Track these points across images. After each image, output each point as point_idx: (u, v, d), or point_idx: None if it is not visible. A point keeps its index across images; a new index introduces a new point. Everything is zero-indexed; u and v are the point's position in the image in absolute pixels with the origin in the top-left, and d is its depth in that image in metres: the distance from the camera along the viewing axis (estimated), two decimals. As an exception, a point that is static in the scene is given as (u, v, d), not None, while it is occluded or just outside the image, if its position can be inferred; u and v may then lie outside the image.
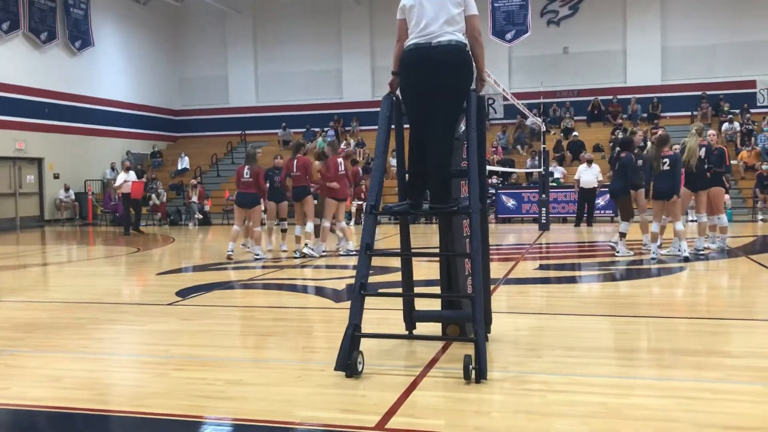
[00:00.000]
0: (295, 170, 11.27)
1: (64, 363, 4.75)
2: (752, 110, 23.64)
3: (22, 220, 22.38)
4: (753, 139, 22.01)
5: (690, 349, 4.87)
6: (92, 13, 25.19)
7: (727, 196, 18.62)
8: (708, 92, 24.21)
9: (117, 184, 18.63)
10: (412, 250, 5.47)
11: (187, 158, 26.76)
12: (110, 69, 26.35)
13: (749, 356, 4.63)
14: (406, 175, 5.00)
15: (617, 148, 12.21)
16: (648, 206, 10.84)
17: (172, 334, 5.78)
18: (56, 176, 23.46)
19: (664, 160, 9.72)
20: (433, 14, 4.67)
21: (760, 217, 18.90)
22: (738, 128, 22.62)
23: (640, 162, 10.96)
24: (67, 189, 23.62)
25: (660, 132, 12.31)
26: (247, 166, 11.20)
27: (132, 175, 18.05)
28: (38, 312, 6.88)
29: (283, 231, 12.59)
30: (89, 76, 25.22)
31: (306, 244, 11.34)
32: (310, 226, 11.39)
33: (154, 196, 23.33)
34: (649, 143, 19.82)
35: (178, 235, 18.08)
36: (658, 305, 6.81)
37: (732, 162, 20.85)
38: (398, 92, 4.87)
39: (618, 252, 10.67)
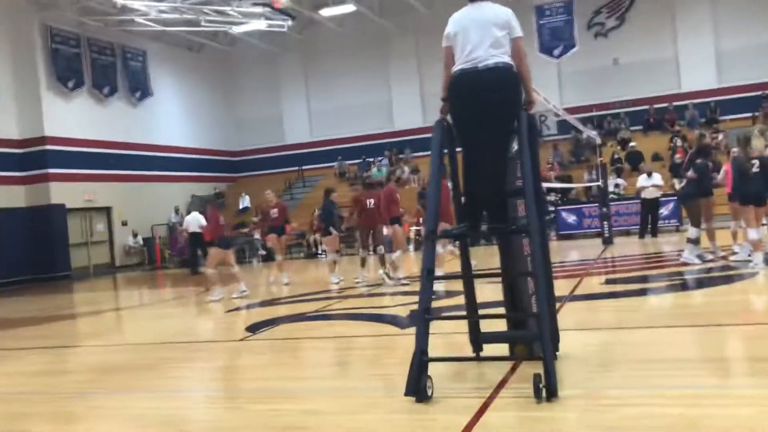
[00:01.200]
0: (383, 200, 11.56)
1: (143, 402, 4.93)
2: (818, 106, 22.80)
3: (95, 268, 23.24)
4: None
5: (766, 357, 4.73)
6: (149, 64, 26.25)
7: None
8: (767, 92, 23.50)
9: (184, 225, 19.16)
10: (474, 272, 5.48)
11: (247, 197, 27.37)
12: (169, 116, 27.32)
13: (833, 360, 4.46)
14: (462, 198, 5.04)
15: (689, 154, 11.72)
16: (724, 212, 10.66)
17: (244, 369, 5.92)
18: (124, 223, 24.32)
19: (753, 162, 9.32)
20: (478, 39, 4.74)
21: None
22: (804, 126, 21.82)
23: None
24: (135, 235, 24.44)
25: (743, 133, 11.72)
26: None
27: (197, 217, 18.55)
28: (115, 354, 7.15)
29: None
30: (150, 124, 26.20)
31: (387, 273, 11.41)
32: (396, 255, 11.51)
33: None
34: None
35: (243, 272, 18.39)
36: (731, 313, 6.62)
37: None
38: (449, 117, 4.93)
39: (685, 258, 10.37)
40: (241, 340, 7.33)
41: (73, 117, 22.90)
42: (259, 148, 30.57)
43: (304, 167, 29.08)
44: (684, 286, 8.75)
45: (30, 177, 21.92)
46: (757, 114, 23.12)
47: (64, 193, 22.09)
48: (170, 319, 10.28)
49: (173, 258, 23.95)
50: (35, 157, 21.92)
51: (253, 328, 8.01)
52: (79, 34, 23.03)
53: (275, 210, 13.16)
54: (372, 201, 11.77)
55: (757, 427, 3.27)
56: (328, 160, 28.43)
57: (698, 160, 10.62)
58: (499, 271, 5.27)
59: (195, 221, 18.00)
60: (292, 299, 10.82)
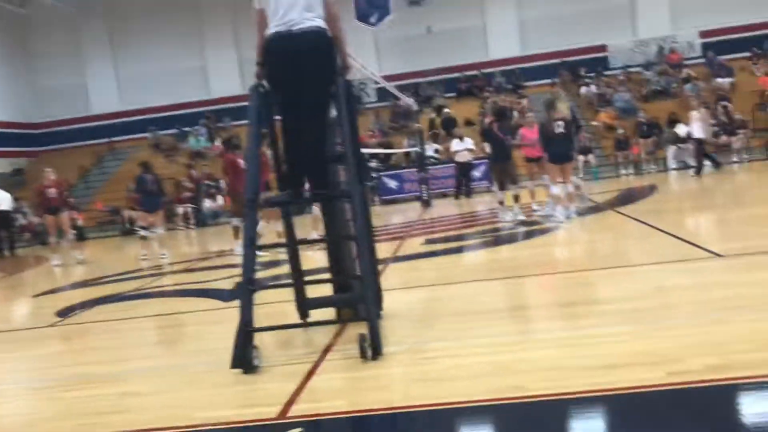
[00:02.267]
0: None
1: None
2: (606, 73, 25.10)
3: None
4: (609, 100, 23.41)
5: (568, 301, 5.19)
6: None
7: (591, 156, 19.82)
8: (565, 59, 25.47)
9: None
10: (298, 240, 5.47)
11: (52, 172, 25.23)
12: (-47, 85, 24.42)
13: (618, 301, 4.98)
14: (283, 165, 4.98)
15: (487, 119, 12.38)
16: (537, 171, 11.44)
17: (57, 356, 5.52)
18: None
19: (558, 122, 10.01)
20: (291, 1, 4.66)
21: (623, 172, 20.20)
22: (595, 91, 23.98)
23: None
24: None
25: (547, 96, 12.58)
26: None
27: (6, 196, 17.04)
28: None
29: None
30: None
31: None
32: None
33: (20, 216, 21.91)
34: (515, 113, 20.69)
35: (48, 254, 17.10)
36: (537, 264, 7.17)
37: (593, 123, 22.18)
38: (266, 82, 4.83)
39: (504, 219, 10.96)
40: (51, 326, 6.81)
41: None
42: (63, 120, 28.24)
43: (114, 138, 27.32)
44: (496, 242, 9.34)
45: None
46: (557, 80, 25.03)
47: None
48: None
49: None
50: None
51: (65, 313, 7.47)
52: None
53: (53, 189, 12.64)
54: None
55: (563, 364, 3.57)
56: (141, 130, 26.92)
57: (492, 125, 11.17)
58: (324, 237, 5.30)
59: (6, 199, 16.53)
60: (106, 280, 10.21)
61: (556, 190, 10.15)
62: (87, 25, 27.49)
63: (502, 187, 11.25)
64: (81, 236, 21.10)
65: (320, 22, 4.67)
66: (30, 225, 22.12)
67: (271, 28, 4.68)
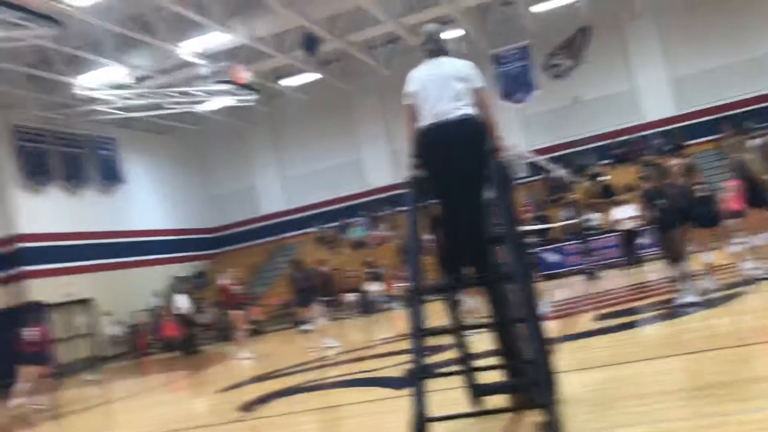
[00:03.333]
0: None
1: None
2: (777, 122, 23.33)
3: (80, 362, 22.67)
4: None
5: (761, 377, 4.70)
6: (119, 151, 26.30)
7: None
8: (727, 113, 24.03)
9: (177, 305, 18.97)
10: (465, 324, 5.43)
11: (229, 273, 27.07)
12: (143, 200, 27.24)
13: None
14: (443, 251, 5.03)
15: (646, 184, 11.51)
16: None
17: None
18: (107, 313, 23.89)
19: (698, 187, 9.47)
20: (439, 93, 4.84)
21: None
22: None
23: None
24: (118, 324, 24.00)
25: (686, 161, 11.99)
26: None
27: (185, 298, 18.43)
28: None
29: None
30: (124, 211, 26.07)
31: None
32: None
33: (203, 315, 23.56)
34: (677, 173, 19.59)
35: (231, 350, 18.13)
36: (721, 337, 6.60)
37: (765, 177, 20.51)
38: (420, 172, 4.96)
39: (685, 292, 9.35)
40: (235, 421, 7.15)
41: (47, 211, 22.70)
42: (236, 222, 30.47)
43: (282, 236, 29.00)
44: (672, 315, 8.73)
45: (6, 277, 21.58)
46: (719, 136, 23.60)
47: (43, 289, 21.71)
48: (162, 407, 10.02)
49: (157, 343, 23.50)
50: (10, 257, 21.62)
51: (246, 408, 7.82)
52: (45, 129, 23.05)
53: (237, 287, 13.40)
54: None
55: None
56: (306, 226, 28.40)
57: (655, 187, 10.22)
58: (490, 320, 5.23)
59: (182, 302, 17.86)
60: (282, 373, 10.62)
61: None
62: (253, 135, 29.89)
63: (675, 258, 9.49)
64: (258, 330, 22.28)
65: (470, 110, 4.79)
66: (212, 323, 23.68)
67: (422, 121, 4.85)
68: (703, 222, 9.55)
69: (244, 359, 13.37)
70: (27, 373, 11.38)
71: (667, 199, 9.95)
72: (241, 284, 13.70)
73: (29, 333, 11.41)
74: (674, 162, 21.59)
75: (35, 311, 13.21)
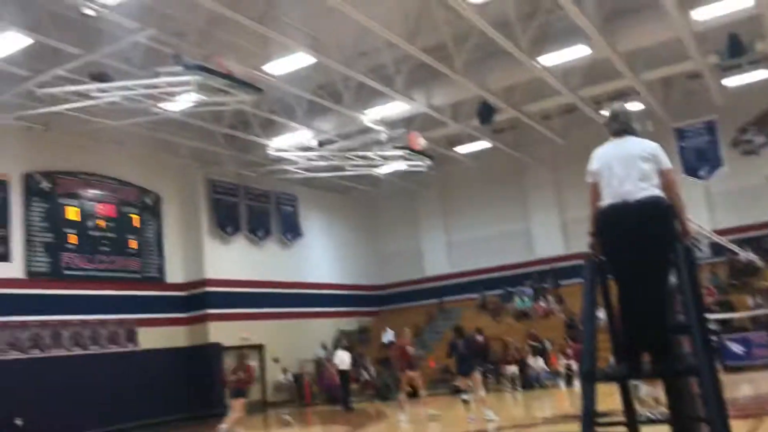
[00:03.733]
0: None
1: None
2: None
3: (250, 405, 23.82)
4: None
5: None
6: (300, 208, 28.07)
7: None
8: None
9: (335, 361, 19.53)
10: (640, 418, 5.17)
11: (390, 331, 27.55)
12: (318, 255, 28.67)
13: None
14: (620, 335, 4.87)
15: None
16: None
17: None
18: (276, 360, 25.06)
19: None
20: (624, 173, 4.77)
21: None
22: None
23: None
24: (285, 371, 25.08)
25: None
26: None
27: (346, 353, 18.89)
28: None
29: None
30: (299, 263, 27.56)
31: None
32: None
33: (363, 371, 24.04)
34: None
35: (390, 409, 18.28)
36: None
37: None
38: (599, 252, 4.88)
39: None
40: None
41: (231, 259, 24.55)
42: (401, 282, 31.04)
43: (444, 299, 29.09)
44: None
45: (191, 318, 23.43)
46: None
47: (221, 332, 23.30)
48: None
49: (321, 394, 24.20)
50: (196, 299, 23.51)
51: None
52: (237, 185, 25.17)
53: (411, 348, 13.46)
54: None
55: None
56: (469, 291, 28.32)
57: None
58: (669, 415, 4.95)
59: (344, 357, 18.28)
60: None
61: None
62: (423, 198, 30.60)
63: None
64: (415, 393, 22.30)
65: (656, 191, 4.68)
66: (371, 380, 24.07)
67: (605, 200, 4.80)
68: None
69: (401, 421, 13.36)
70: (237, 405, 13.76)
71: None
72: (414, 346, 13.81)
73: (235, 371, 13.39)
74: None
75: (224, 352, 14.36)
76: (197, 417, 21.43)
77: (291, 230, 27.47)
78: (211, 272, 23.85)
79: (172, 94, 15.87)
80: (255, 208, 25.98)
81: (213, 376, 22.52)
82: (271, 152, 21.85)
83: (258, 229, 25.95)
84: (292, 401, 24.87)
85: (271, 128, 21.70)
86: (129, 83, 15.52)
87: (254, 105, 19.01)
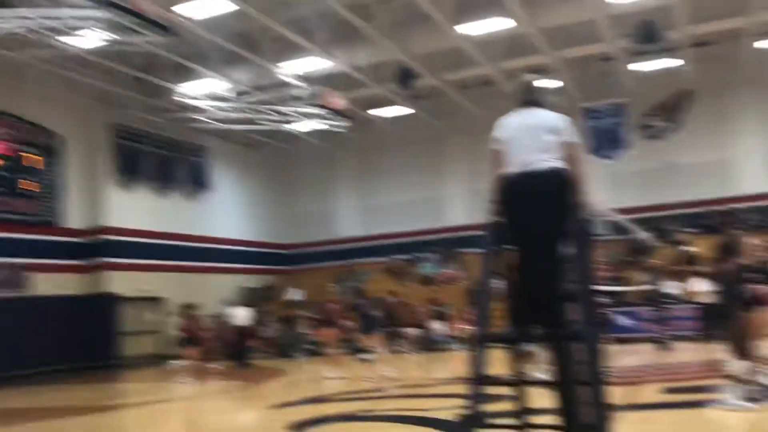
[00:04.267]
0: None
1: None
2: None
3: (143, 357, 23.34)
4: None
5: None
6: (209, 160, 27.28)
7: None
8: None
9: (234, 317, 19.30)
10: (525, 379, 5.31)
11: (297, 290, 27.48)
12: (225, 209, 28.06)
13: None
14: (513, 300, 4.95)
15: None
16: None
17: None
18: (174, 314, 24.55)
19: None
20: (529, 143, 4.81)
21: None
22: None
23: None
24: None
25: None
26: None
27: (244, 310, 18.68)
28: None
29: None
30: (206, 217, 26.92)
31: None
32: None
33: (265, 328, 23.90)
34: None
35: (289, 367, 18.29)
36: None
37: None
38: (499, 218, 4.92)
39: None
40: (284, 439, 7.18)
41: (133, 208, 23.69)
42: (311, 242, 30.91)
43: (354, 261, 29.20)
44: (748, 398, 8.25)
45: (88, 266, 22.56)
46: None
47: (119, 282, 22.60)
48: (214, 415, 10.17)
49: (221, 349, 23.91)
50: (94, 247, 22.63)
51: (296, 427, 7.84)
52: (142, 131, 24.18)
53: (334, 306, 13.43)
54: None
55: None
56: (378, 254, 28.52)
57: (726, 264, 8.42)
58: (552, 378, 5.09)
59: (241, 314, 18.05)
60: (339, 397, 10.62)
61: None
62: (339, 159, 30.40)
63: (741, 353, 7.94)
64: (316, 352, 22.39)
65: (558, 163, 4.74)
66: (273, 338, 23.99)
67: (508, 168, 4.83)
68: None
69: (329, 378, 13.26)
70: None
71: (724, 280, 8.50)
72: (338, 303, 13.68)
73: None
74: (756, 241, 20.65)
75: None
76: (92, 366, 20.80)
77: (199, 182, 26.74)
78: (112, 220, 22.99)
79: (78, 29, 14.97)
80: (162, 156, 25.08)
81: (109, 326, 21.94)
82: (182, 99, 21.04)
83: (164, 178, 25.11)
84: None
85: (183, 74, 20.87)
86: (30, 12, 14.50)
87: (167, 48, 18.23)
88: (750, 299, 8.02)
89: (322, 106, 20.46)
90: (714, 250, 8.12)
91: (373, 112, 25.84)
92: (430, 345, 21.25)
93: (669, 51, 21.20)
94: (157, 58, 19.91)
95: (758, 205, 23.77)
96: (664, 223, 24.78)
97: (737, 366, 7.69)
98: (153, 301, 24.12)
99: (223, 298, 26.19)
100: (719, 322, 8.71)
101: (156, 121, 23.98)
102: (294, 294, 27.40)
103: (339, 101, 20.33)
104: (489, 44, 20.09)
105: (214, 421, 9.39)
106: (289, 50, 19.36)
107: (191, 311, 16.51)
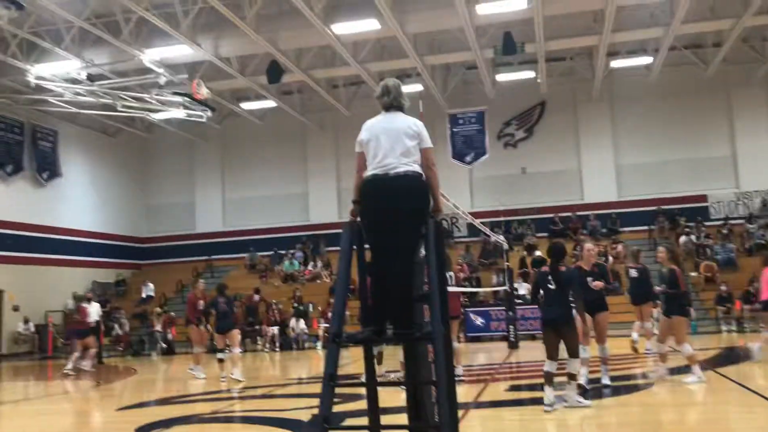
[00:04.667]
0: None
1: None
2: (706, 223, 24.36)
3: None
4: (708, 251, 22.60)
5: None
6: (60, 145, 25.53)
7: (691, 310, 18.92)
8: (663, 207, 25.03)
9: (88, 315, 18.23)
10: (378, 381, 5.39)
11: (151, 285, 26.40)
12: (77, 199, 26.40)
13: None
14: (368, 301, 5.01)
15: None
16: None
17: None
18: (15, 308, 22.86)
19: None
20: (389, 147, 4.89)
21: (724, 328, 19.15)
22: (695, 241, 23.24)
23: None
24: (26, 321, 22.97)
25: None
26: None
27: (94, 306, 17.69)
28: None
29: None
30: (56, 206, 25.22)
31: None
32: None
33: (116, 325, 22.84)
34: (610, 258, 20.32)
35: (141, 366, 17.55)
36: (637, 424, 6.73)
37: (692, 274, 21.25)
38: (359, 219, 4.97)
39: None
40: (130, 442, 6.87)
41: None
42: (168, 236, 29.80)
43: (213, 257, 28.47)
44: (584, 396, 8.84)
45: None
46: (653, 227, 24.50)
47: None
48: (56, 417, 9.56)
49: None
50: None
51: (144, 430, 7.53)
52: (-15, 110, 22.31)
53: (202, 302, 12.96)
54: None
55: None
56: (239, 250, 27.98)
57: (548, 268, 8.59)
58: (403, 379, 5.20)
59: (91, 311, 17.09)
60: (188, 398, 10.30)
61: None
62: (201, 151, 29.51)
63: (552, 355, 7.74)
64: (171, 351, 21.67)
65: (416, 167, 4.86)
66: (125, 335, 22.95)
67: (370, 170, 4.89)
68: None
69: (201, 378, 12.72)
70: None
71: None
72: (205, 299, 13.03)
73: None
74: (605, 244, 22.25)
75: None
76: None
77: (47, 168, 24.97)
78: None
79: None
80: (5, 139, 23.21)
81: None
82: (31, 79, 19.54)
83: (7, 163, 23.26)
84: (32, 353, 22.92)
85: (33, 52, 19.45)
86: None
87: (15, 23, 16.93)
88: (590, 302, 8.63)
89: (185, 95, 19.75)
90: (547, 254, 8.63)
91: (239, 104, 25.30)
92: (288, 343, 21.13)
93: (527, 63, 22.38)
94: (4, 33, 18.44)
95: (601, 212, 25.58)
96: (516, 227, 26.11)
97: (574, 365, 8.15)
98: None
99: (73, 293, 24.78)
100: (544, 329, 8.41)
101: (2, 101, 22.18)
102: (149, 290, 26.32)
103: (203, 90, 19.68)
104: (359, 45, 20.29)
105: (55, 423, 8.81)
106: (153, 35, 18.58)
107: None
